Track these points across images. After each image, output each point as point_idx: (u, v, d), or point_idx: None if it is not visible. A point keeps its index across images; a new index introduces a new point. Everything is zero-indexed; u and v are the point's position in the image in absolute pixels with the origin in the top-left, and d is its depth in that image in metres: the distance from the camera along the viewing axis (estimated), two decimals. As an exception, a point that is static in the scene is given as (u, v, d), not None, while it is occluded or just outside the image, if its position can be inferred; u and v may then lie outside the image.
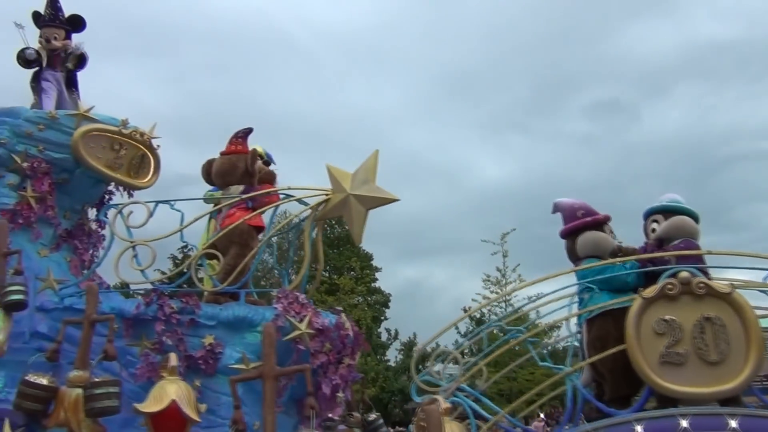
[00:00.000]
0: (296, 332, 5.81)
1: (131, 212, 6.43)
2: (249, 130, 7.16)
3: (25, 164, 7.06)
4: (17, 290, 5.57)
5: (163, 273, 9.91)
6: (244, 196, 6.68)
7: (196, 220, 6.49)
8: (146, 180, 7.85)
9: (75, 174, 7.44)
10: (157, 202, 6.43)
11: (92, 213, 8.23)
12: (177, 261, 15.85)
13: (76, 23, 8.00)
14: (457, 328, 27.74)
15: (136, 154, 7.64)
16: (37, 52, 7.78)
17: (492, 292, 25.27)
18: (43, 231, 7.21)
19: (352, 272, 26.77)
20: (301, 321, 5.88)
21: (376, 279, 28.72)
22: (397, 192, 6.19)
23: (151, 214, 6.37)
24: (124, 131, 7.42)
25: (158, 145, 7.79)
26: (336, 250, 27.91)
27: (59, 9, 7.87)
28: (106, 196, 8.16)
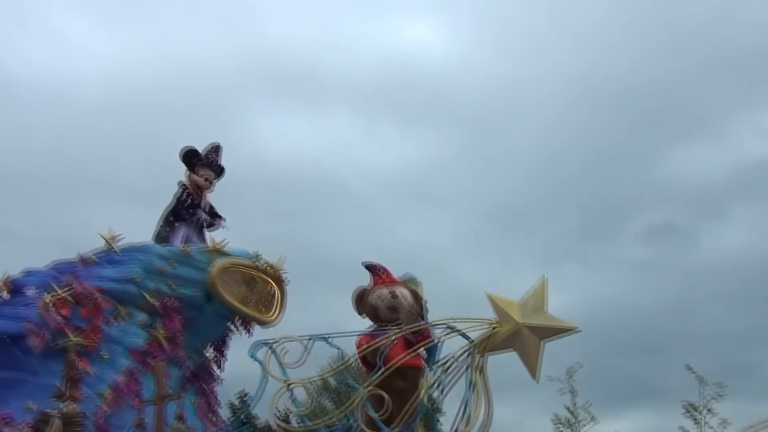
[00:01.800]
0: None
1: (286, 350, 5.96)
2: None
3: (155, 302, 6.77)
4: (181, 439, 5.06)
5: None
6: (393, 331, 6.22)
7: (354, 357, 5.99)
8: (274, 316, 7.50)
9: (204, 311, 7.12)
10: (313, 338, 5.97)
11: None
12: (235, 408, 14.45)
13: (222, 171, 8.19)
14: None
15: (266, 288, 7.35)
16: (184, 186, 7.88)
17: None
18: (171, 372, 6.78)
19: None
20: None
21: (440, 422, 27.17)
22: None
23: (307, 351, 5.90)
24: (259, 265, 7.18)
25: (288, 280, 7.50)
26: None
27: (220, 156, 8.14)
28: (227, 334, 7.80)
